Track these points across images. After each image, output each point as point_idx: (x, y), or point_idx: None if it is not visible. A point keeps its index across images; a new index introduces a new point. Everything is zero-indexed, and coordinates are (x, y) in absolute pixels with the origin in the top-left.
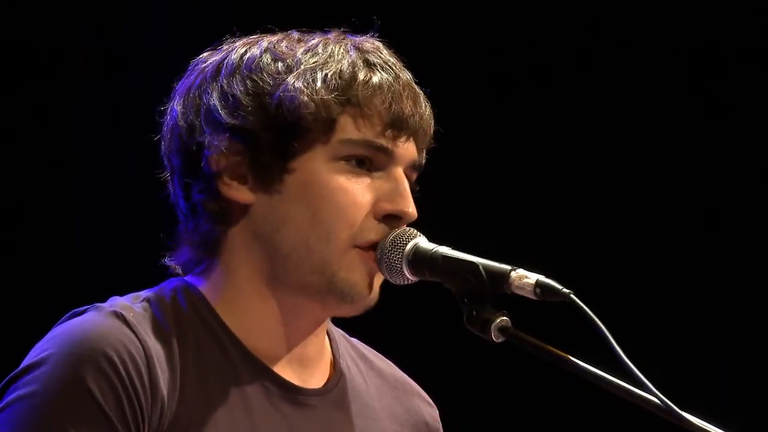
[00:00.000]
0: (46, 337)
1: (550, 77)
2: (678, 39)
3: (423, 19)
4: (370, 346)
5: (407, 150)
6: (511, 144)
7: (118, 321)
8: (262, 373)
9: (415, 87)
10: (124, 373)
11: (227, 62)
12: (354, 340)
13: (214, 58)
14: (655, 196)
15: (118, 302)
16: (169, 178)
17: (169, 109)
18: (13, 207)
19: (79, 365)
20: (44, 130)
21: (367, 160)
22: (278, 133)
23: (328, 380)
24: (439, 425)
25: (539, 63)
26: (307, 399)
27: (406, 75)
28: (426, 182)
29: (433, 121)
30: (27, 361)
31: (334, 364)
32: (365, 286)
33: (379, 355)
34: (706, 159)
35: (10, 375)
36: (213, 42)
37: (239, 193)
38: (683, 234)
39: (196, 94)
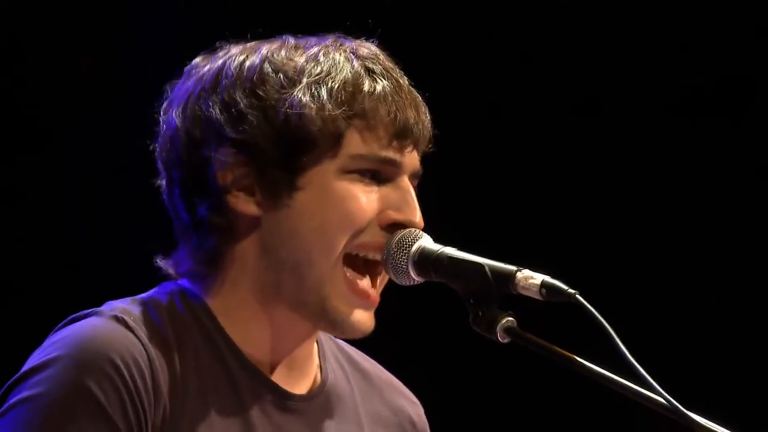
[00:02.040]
0: (48, 341)
1: (548, 80)
2: (677, 42)
3: (423, 18)
4: (371, 347)
5: (412, 158)
6: (513, 146)
7: (120, 325)
8: (256, 379)
9: (415, 93)
10: (128, 377)
11: (226, 72)
12: (340, 342)
13: (210, 66)
14: (659, 194)
15: (117, 306)
16: (167, 186)
17: (165, 117)
18: (13, 212)
19: (84, 369)
20: (45, 135)
21: (375, 173)
22: (286, 148)
23: (314, 385)
24: (425, 423)
25: (536, 65)
26: (296, 404)
27: (405, 81)
28: (428, 185)
29: (431, 127)
30: (30, 363)
31: (321, 368)
32: (353, 320)
33: (365, 356)
34: (708, 159)
35: (14, 377)
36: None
37: (247, 206)
38: (687, 232)
39: (196, 105)
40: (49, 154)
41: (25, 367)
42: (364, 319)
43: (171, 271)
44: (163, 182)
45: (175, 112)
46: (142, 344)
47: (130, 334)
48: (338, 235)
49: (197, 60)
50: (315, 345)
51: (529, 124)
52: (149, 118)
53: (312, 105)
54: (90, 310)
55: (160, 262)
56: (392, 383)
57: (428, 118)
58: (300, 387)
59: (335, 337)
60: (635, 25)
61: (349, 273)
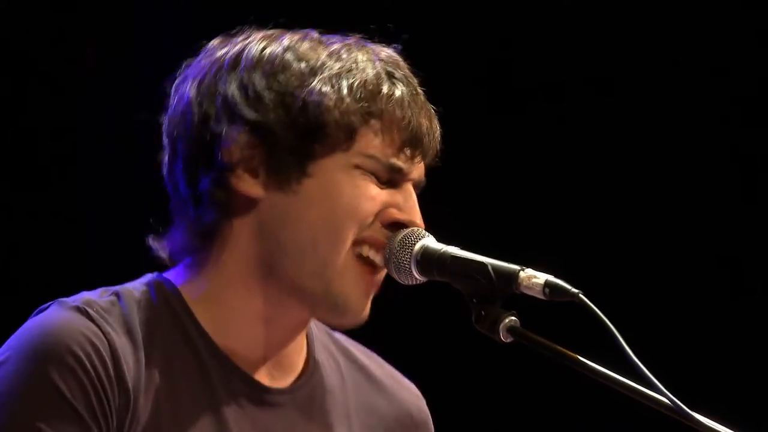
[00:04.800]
0: (11, 336)
1: (552, 80)
2: (682, 41)
3: (427, 17)
4: (376, 344)
5: (419, 169)
6: (518, 147)
7: (80, 315)
8: (230, 372)
9: (429, 104)
10: (89, 366)
11: (247, 55)
12: (338, 335)
13: (230, 49)
14: (665, 193)
15: (82, 297)
16: (168, 160)
17: (178, 91)
18: (24, 208)
19: (44, 361)
20: (54, 131)
21: (384, 177)
22: (300, 134)
23: (300, 377)
24: (427, 416)
25: (539, 66)
26: (275, 398)
27: (421, 91)
28: (431, 183)
29: (440, 141)
30: None
31: (308, 361)
32: (359, 303)
33: (365, 349)
34: (710, 160)
35: None
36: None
37: (250, 186)
38: (692, 232)
39: (212, 82)
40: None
41: None
42: (365, 304)
43: (162, 251)
44: (165, 157)
45: (189, 87)
46: (103, 333)
47: (90, 324)
48: (345, 225)
49: (215, 41)
50: (304, 337)
51: (532, 122)
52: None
53: (331, 96)
54: (55, 300)
55: (152, 242)
56: (393, 377)
57: (438, 131)
58: (285, 380)
59: (330, 324)
60: (638, 21)
61: (359, 261)
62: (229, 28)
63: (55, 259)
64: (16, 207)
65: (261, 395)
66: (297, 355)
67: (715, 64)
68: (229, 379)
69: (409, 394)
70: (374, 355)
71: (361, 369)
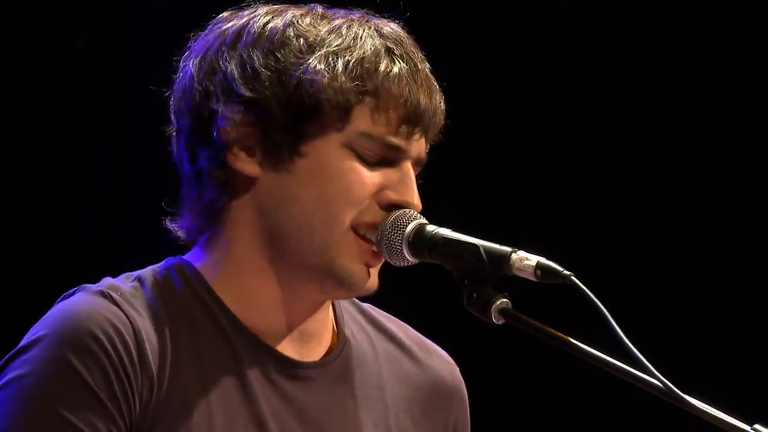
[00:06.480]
0: (36, 323)
1: (550, 68)
2: (683, 32)
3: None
4: None
5: (419, 145)
6: (512, 135)
7: (104, 300)
8: (258, 348)
9: (432, 80)
10: (111, 350)
11: (249, 30)
12: (366, 306)
13: (235, 23)
14: (653, 176)
15: (106, 282)
16: (175, 136)
17: (183, 66)
18: (15, 197)
19: (66, 346)
20: (45, 116)
21: (379, 157)
22: (293, 113)
23: (330, 352)
24: (461, 383)
25: (539, 54)
26: (306, 372)
27: (425, 66)
28: (426, 171)
29: (443, 116)
30: (17, 346)
31: (338, 335)
32: (363, 276)
33: (393, 318)
34: (706, 151)
35: (3, 359)
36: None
37: (246, 165)
38: (682, 214)
39: (214, 57)
40: (51, 139)
41: (13, 350)
42: (369, 275)
43: (176, 230)
44: (173, 132)
45: (192, 62)
46: (127, 316)
47: (114, 307)
48: (339, 208)
49: (224, 14)
50: (330, 311)
51: (526, 106)
52: (153, 97)
53: (325, 74)
54: (80, 286)
55: (169, 224)
56: (424, 343)
57: (442, 107)
58: (314, 355)
59: (343, 296)
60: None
61: (357, 236)
62: (225, 6)
63: (46, 257)
64: (9, 205)
65: (290, 370)
66: (323, 329)
67: (714, 63)
68: (256, 355)
69: (441, 360)
70: (404, 324)
71: (392, 338)
